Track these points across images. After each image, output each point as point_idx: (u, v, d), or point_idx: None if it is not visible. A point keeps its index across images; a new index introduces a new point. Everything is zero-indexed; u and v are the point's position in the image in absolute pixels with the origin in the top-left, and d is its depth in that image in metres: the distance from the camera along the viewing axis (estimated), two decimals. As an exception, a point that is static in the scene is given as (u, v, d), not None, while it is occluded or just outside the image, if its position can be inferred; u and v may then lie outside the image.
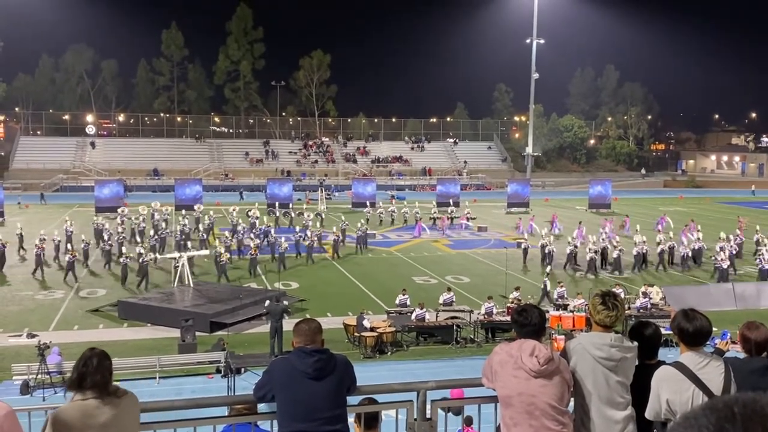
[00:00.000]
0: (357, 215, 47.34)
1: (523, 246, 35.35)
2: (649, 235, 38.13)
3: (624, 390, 4.22)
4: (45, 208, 54.56)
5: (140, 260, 30.29)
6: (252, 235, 36.56)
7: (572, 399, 4.33)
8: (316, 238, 37.04)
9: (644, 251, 34.44)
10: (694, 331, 4.10)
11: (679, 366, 4.05)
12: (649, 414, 4.11)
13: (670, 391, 4.00)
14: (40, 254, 31.76)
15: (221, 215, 45.35)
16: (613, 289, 25.29)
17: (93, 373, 3.77)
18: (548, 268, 31.39)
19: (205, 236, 37.11)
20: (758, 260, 32.90)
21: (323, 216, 48.06)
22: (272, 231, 37.83)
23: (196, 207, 46.01)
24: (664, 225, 44.53)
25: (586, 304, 24.74)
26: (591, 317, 4.40)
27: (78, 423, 3.67)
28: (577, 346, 4.27)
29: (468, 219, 47.98)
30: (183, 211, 43.72)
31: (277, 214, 47.23)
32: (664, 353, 4.55)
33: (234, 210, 43.28)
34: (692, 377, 3.98)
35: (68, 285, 29.80)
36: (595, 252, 33.94)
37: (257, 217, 41.59)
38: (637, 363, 4.33)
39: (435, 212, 49.24)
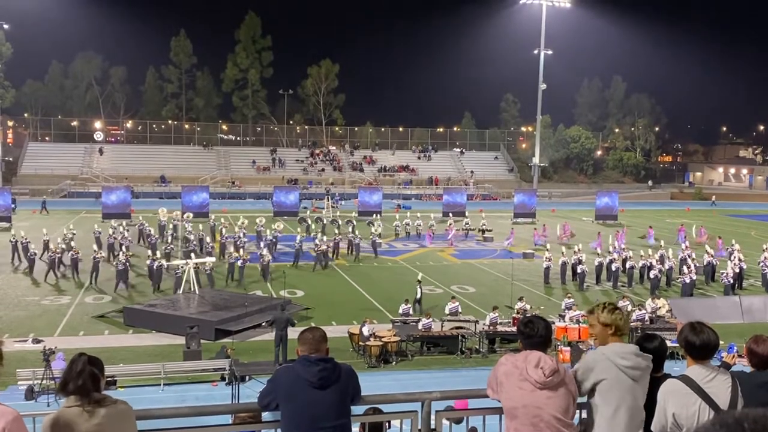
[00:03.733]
0: (364, 223, 47.34)
1: (545, 265, 33.93)
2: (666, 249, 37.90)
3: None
4: (54, 213, 54.69)
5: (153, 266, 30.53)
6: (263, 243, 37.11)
7: (577, 411, 4.31)
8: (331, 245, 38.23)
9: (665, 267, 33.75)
10: (701, 345, 4.07)
11: (686, 379, 4.03)
12: (655, 427, 4.08)
13: (677, 405, 3.97)
14: (55, 259, 32.40)
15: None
16: (620, 302, 25.23)
17: (75, 378, 3.67)
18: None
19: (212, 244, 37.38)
20: (723, 276, 32.43)
21: (326, 222, 48.18)
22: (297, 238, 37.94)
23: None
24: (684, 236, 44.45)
25: (584, 316, 24.67)
26: (605, 329, 4.33)
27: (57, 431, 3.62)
28: (600, 356, 4.20)
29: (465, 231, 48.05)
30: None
31: (324, 222, 47.72)
32: (670, 366, 4.53)
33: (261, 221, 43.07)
34: (699, 391, 3.95)
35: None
36: (611, 261, 33.79)
37: (280, 231, 41.38)
38: None
39: (468, 224, 48.92)
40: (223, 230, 39.66)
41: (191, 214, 45.51)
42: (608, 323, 4.28)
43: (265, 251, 34.41)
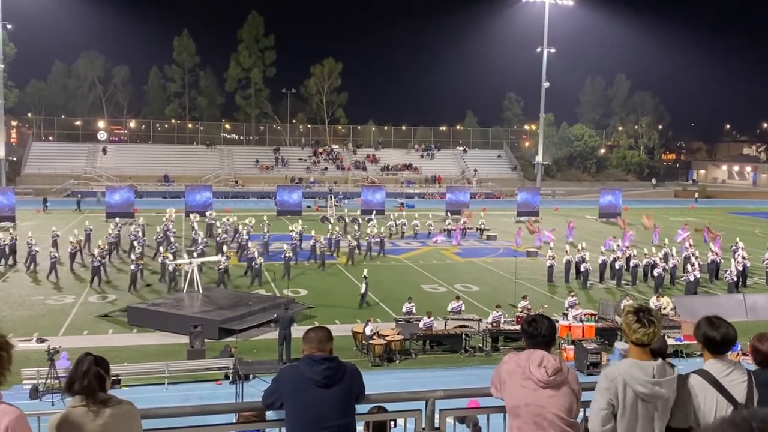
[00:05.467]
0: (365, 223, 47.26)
1: (549, 264, 33.97)
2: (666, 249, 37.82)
3: (662, 427, 4.00)
4: (57, 213, 54.77)
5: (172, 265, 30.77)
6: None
7: (581, 410, 4.30)
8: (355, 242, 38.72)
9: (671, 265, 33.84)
10: (721, 339, 4.04)
11: (704, 374, 4.02)
12: (675, 422, 4.06)
13: (696, 399, 3.97)
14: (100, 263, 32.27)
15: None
16: (625, 302, 25.14)
17: (81, 378, 3.70)
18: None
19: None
20: (727, 274, 32.40)
21: (348, 221, 48.24)
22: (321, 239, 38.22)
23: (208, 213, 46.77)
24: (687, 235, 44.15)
25: (589, 314, 24.70)
26: (626, 336, 4.07)
27: (63, 431, 3.62)
28: (618, 377, 3.96)
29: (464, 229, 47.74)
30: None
31: (347, 220, 47.88)
32: (674, 364, 4.52)
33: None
34: (717, 385, 3.95)
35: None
36: (614, 260, 33.82)
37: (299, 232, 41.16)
38: None
39: (465, 222, 48.93)
40: (240, 227, 39.69)
41: (213, 212, 46.08)
42: (623, 328, 4.08)
43: (255, 252, 34.18)
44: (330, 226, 43.25)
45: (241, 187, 75.19)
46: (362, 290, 28.27)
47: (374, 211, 52.44)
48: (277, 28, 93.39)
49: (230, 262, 33.74)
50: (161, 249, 34.03)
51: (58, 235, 36.71)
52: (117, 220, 44.48)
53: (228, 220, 42.74)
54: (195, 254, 32.78)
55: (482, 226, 47.83)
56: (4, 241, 35.11)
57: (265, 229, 40.49)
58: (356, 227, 42.60)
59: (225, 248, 35.54)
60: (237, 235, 39.31)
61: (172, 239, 37.73)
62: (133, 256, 32.30)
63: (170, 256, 31.94)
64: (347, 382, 4.23)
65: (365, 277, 28.94)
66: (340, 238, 40.44)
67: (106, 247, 34.85)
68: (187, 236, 42.32)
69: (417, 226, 47.37)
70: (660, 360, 4.00)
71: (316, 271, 35.18)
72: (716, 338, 4.05)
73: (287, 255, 33.46)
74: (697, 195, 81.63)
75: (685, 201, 79.99)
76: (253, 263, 32.75)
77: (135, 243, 35.96)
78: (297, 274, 33.44)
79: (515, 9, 79.85)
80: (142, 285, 30.94)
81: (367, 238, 39.74)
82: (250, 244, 36.27)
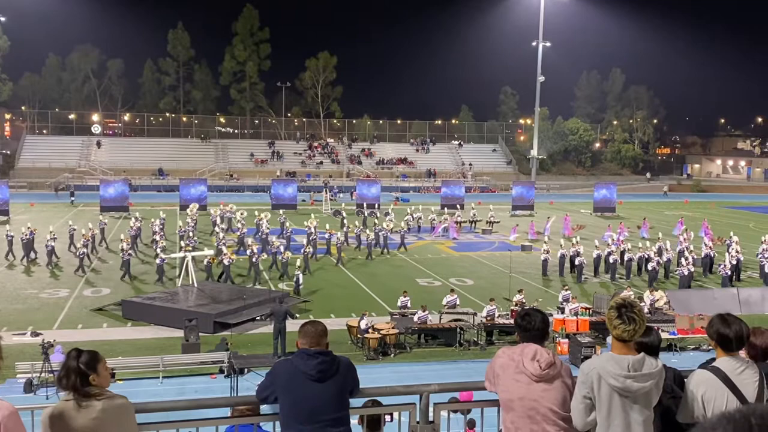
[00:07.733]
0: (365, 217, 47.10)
1: (543, 257, 33.80)
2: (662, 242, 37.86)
3: (643, 421, 3.95)
4: (51, 206, 54.61)
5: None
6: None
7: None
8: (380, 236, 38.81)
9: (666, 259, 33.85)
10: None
11: (716, 371, 4.03)
12: (683, 418, 4.07)
13: (708, 396, 3.96)
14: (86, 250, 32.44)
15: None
16: (624, 293, 25.11)
17: (66, 375, 3.74)
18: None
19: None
20: (721, 268, 32.53)
21: (367, 215, 48.16)
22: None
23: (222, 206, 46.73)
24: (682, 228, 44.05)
25: (583, 308, 24.75)
26: (610, 330, 4.08)
27: (54, 425, 3.64)
28: (593, 371, 3.98)
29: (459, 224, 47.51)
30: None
31: (365, 214, 47.83)
32: (667, 358, 4.53)
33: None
34: (727, 382, 3.96)
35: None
36: (609, 254, 33.86)
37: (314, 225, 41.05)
38: None
39: (458, 216, 48.93)
40: (262, 223, 39.54)
41: (234, 206, 45.88)
42: (614, 334, 4.04)
43: (281, 247, 34.11)
44: (345, 221, 43.11)
45: (236, 181, 75.07)
46: (300, 282, 28.85)
47: (391, 206, 52.40)
48: (272, 21, 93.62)
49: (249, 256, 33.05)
50: (182, 243, 34.03)
51: (74, 229, 36.55)
52: (137, 214, 44.39)
53: (242, 214, 42.55)
54: (222, 246, 32.95)
55: (491, 219, 47.87)
56: (25, 235, 34.66)
57: (287, 224, 40.52)
58: (375, 221, 42.51)
59: (250, 241, 35.16)
60: (258, 230, 39.17)
61: (191, 234, 37.54)
62: (158, 250, 32.24)
63: (190, 249, 32.00)
64: (342, 376, 4.24)
65: (299, 267, 29.52)
66: (359, 231, 40.24)
67: (129, 240, 34.76)
68: (206, 231, 42.34)
69: (433, 220, 47.36)
70: (641, 354, 3.98)
71: (334, 266, 34.96)
72: (729, 335, 4.05)
73: (306, 249, 33.50)
74: (666, 189, 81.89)
75: (680, 195, 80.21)
76: (279, 257, 32.68)
77: (156, 237, 35.87)
78: (316, 269, 33.43)
79: (511, 3, 79.86)
80: (166, 278, 30.92)
81: (383, 233, 39.57)
82: (273, 238, 36.21)
